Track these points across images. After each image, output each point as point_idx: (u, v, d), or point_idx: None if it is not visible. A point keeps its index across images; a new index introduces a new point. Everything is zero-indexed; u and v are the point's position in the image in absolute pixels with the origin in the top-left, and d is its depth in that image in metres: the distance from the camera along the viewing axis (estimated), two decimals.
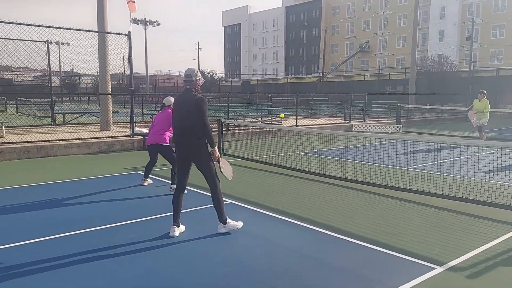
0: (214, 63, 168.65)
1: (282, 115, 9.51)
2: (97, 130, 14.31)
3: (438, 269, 3.99)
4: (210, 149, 4.91)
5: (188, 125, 4.79)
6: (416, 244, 4.66)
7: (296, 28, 70.79)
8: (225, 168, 5.23)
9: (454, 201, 6.32)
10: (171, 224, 4.97)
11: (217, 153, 4.97)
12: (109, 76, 14.65)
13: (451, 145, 12.55)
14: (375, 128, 18.78)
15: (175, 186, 6.89)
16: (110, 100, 14.94)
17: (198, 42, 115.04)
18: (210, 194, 4.94)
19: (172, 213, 5.02)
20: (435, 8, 50.97)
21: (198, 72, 4.98)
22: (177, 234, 4.90)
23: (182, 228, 5.04)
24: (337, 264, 4.14)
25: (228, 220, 5.01)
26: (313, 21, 67.44)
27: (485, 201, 6.12)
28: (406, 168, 9.21)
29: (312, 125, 17.95)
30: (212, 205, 4.96)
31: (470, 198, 6.27)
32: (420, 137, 15.54)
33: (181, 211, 5.05)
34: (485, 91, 13.43)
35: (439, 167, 9.39)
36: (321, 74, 59.99)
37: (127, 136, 12.77)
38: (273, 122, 17.99)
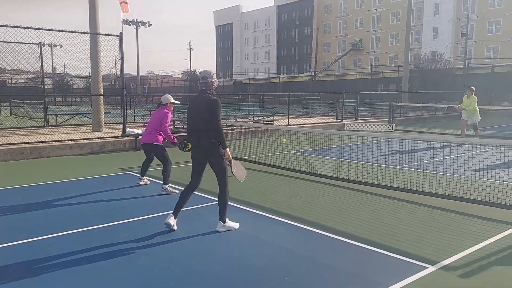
0: (206, 63, 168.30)
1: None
2: (89, 131, 14.24)
3: (431, 268, 3.98)
4: (222, 151, 4.95)
5: (202, 126, 4.86)
6: (408, 243, 4.66)
7: (288, 27, 70.87)
8: (237, 170, 5.29)
9: (447, 200, 6.32)
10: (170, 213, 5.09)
11: (229, 155, 5.03)
12: (101, 77, 14.58)
13: (445, 143, 12.62)
14: (368, 126, 18.83)
15: (167, 186, 6.91)
16: (102, 101, 14.86)
17: (189, 42, 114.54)
18: (203, 195, 4.98)
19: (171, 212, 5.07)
20: (429, 4, 51.16)
21: (214, 74, 5.07)
22: (171, 222, 5.00)
23: (175, 223, 5.07)
24: (331, 264, 4.12)
25: (227, 220, 5.10)
26: (305, 20, 67.57)
27: (480, 199, 6.13)
28: (398, 167, 9.23)
29: (304, 124, 17.94)
30: (203, 204, 4.95)
31: (464, 197, 6.27)
32: (413, 136, 15.60)
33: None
34: (473, 88, 13.25)
35: (432, 165, 9.42)
36: (313, 73, 60.12)
37: (119, 136, 12.69)
38: (265, 122, 17.97)
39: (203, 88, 4.95)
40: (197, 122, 4.91)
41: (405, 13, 31.75)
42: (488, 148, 11.05)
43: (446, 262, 4.13)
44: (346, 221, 5.47)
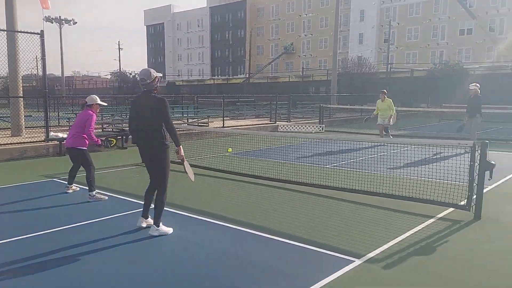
0: (137, 63, 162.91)
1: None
2: (7, 135, 13.15)
3: (357, 262, 4.21)
4: (168, 151, 5.00)
5: (149, 127, 4.85)
6: (336, 238, 4.88)
7: (221, 29, 70.94)
8: (188, 169, 5.33)
9: (372, 196, 6.72)
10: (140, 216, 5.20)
11: (182, 153, 5.07)
12: (20, 78, 13.58)
13: (369, 143, 13.37)
14: (300, 128, 19.42)
15: (94, 192, 6.60)
16: (22, 103, 13.85)
17: (118, 41, 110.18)
18: (134, 200, 4.90)
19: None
20: (355, 11, 53.85)
21: (154, 73, 4.97)
22: (144, 225, 5.07)
23: (149, 220, 5.13)
24: (263, 263, 4.20)
25: (161, 225, 5.03)
26: (238, 22, 68.08)
27: (400, 195, 6.58)
28: (328, 166, 9.63)
29: (239, 126, 18.08)
30: (135, 210, 4.84)
31: (387, 193, 6.71)
32: (341, 136, 16.35)
33: (104, 218, 5.06)
34: (385, 91, 13.59)
35: (358, 164, 9.94)
36: (247, 75, 60.77)
37: (41, 141, 11.89)
38: (199, 124, 17.84)
39: (145, 89, 4.90)
40: (143, 122, 4.88)
41: (333, 18, 33.17)
42: (407, 147, 11.89)
43: (371, 255, 4.40)
44: (279, 220, 5.61)
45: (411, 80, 42.17)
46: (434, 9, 48.14)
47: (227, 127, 17.24)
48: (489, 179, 5.69)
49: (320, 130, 19.11)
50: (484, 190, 5.81)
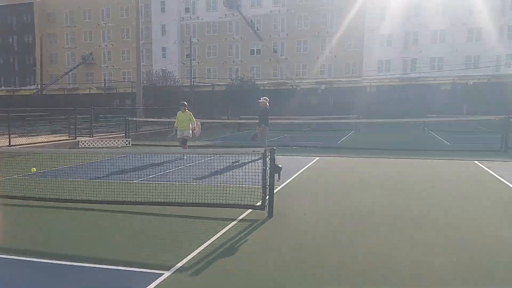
0: None
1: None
2: None
3: (166, 274, 4.26)
4: None
5: None
6: (145, 254, 4.83)
7: (3, 33, 61.39)
8: None
9: (180, 206, 6.86)
10: None
11: None
12: None
13: (177, 155, 13.67)
14: (104, 143, 18.40)
15: None
16: None
17: None
18: None
19: None
20: (156, 25, 54.29)
21: None
22: None
23: None
24: None
25: None
26: (25, 26, 60.20)
27: (206, 202, 6.93)
28: (136, 181, 9.42)
29: (31, 144, 15.95)
30: None
31: (195, 202, 6.97)
32: (149, 150, 16.28)
33: None
34: (185, 103, 13.83)
35: (166, 176, 10.05)
36: (39, 86, 54.22)
37: None
38: None
39: None
40: None
41: (135, 30, 32.71)
42: (211, 156, 12.65)
43: (180, 264, 4.51)
44: (83, 244, 5.20)
45: (212, 93, 45.18)
46: (228, 29, 52.69)
47: (14, 145, 14.98)
48: (277, 180, 6.57)
49: (126, 144, 18.50)
50: (275, 190, 6.67)
